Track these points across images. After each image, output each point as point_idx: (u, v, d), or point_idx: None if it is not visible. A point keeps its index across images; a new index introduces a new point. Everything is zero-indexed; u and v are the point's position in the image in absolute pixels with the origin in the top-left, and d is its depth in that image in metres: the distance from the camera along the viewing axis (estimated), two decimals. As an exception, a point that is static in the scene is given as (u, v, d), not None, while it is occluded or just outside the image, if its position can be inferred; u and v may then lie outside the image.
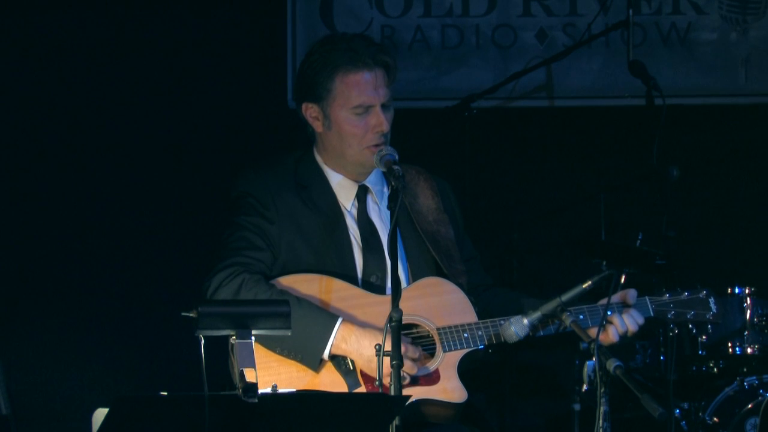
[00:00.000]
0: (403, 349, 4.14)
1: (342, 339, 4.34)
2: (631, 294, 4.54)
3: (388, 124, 4.57)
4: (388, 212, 4.39)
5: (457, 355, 4.42)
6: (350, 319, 4.40)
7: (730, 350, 5.95)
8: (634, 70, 6.34)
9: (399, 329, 4.04)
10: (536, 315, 4.33)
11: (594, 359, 4.01)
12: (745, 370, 6.01)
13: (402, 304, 4.06)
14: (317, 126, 4.60)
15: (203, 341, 3.60)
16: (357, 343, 4.33)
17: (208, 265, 4.50)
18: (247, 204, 4.56)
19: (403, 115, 4.80)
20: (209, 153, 6.78)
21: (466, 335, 4.43)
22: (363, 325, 4.39)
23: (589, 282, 4.28)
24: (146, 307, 6.57)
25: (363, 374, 4.38)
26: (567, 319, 4.30)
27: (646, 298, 4.61)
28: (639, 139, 6.16)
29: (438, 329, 4.44)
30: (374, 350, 4.23)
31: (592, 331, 4.44)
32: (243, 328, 3.62)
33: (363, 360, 4.34)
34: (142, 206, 6.74)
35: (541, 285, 6.19)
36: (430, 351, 4.45)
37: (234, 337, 3.62)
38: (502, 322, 4.43)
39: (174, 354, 5.68)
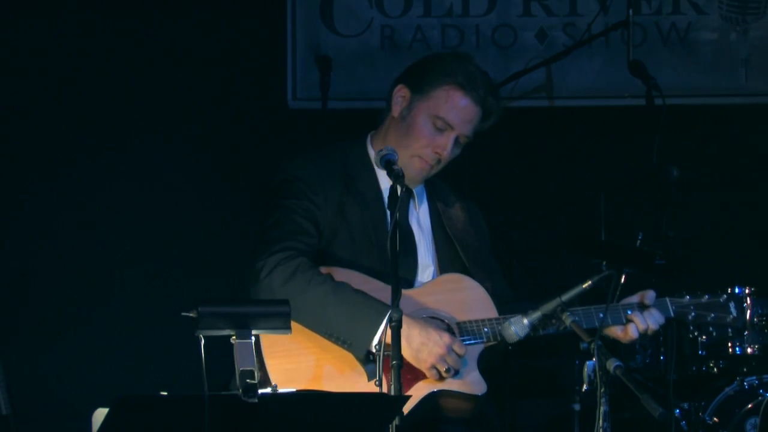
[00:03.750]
0: (448, 340, 4.29)
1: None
2: (650, 295, 4.58)
3: (449, 154, 4.61)
4: (426, 219, 4.47)
5: (477, 348, 4.46)
6: None
7: (730, 350, 5.95)
8: (634, 70, 6.34)
9: (399, 329, 4.05)
10: (536, 315, 4.34)
11: (594, 359, 4.02)
12: (745, 370, 6.01)
13: (423, 300, 4.12)
14: (396, 109, 4.64)
15: (203, 341, 3.61)
16: (407, 330, 4.29)
17: (238, 253, 4.49)
18: (296, 188, 4.55)
19: (404, 116, 4.81)
20: (209, 153, 6.78)
21: (486, 329, 4.47)
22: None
23: (589, 282, 4.29)
24: (146, 307, 6.57)
25: (385, 366, 4.36)
26: (567, 319, 4.31)
27: (666, 299, 4.65)
28: (639, 139, 6.16)
29: (458, 323, 4.47)
30: (421, 341, 4.27)
31: (610, 330, 4.50)
32: (243, 328, 3.63)
33: (411, 350, 4.33)
34: (142, 206, 6.74)
35: (541, 285, 6.18)
36: None
37: (234, 337, 3.62)
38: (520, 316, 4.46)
39: (174, 354, 5.67)
